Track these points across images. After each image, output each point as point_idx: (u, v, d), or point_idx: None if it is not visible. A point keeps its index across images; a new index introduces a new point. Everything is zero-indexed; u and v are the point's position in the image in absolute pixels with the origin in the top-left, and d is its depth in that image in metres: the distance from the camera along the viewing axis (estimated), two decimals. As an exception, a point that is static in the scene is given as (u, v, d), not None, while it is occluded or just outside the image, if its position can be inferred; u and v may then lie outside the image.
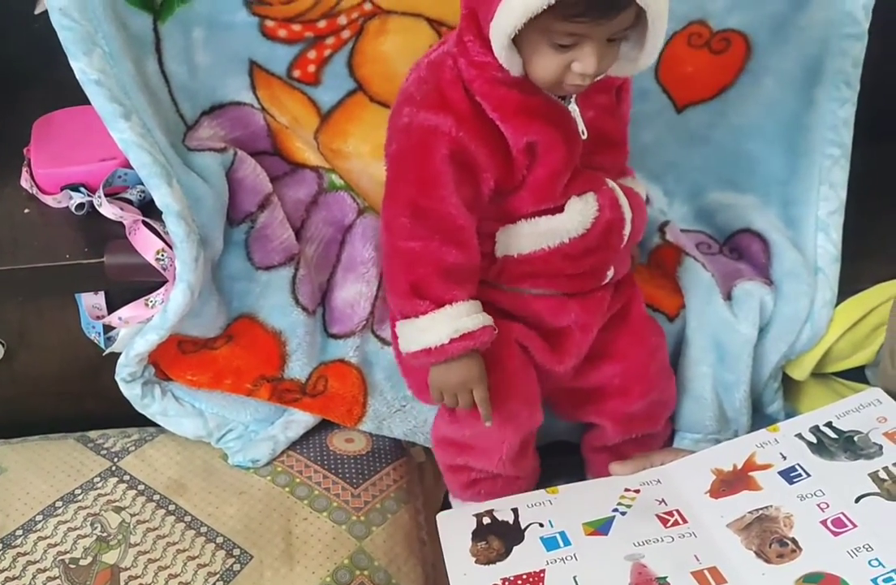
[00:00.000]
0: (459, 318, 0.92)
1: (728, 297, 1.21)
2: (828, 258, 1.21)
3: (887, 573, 0.77)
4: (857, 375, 1.25)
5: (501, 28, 0.81)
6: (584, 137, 0.94)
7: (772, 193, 1.28)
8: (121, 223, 1.04)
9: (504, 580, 0.85)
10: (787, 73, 1.22)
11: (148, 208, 1.05)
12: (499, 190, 0.94)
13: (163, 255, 1.01)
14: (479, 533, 0.92)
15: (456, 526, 0.94)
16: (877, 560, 0.79)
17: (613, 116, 1.00)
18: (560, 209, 0.96)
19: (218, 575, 0.99)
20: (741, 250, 1.29)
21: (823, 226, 1.22)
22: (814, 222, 1.23)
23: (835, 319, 1.20)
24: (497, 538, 0.91)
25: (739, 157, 1.29)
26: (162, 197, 0.97)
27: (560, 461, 1.21)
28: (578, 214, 0.96)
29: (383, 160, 1.17)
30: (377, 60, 1.14)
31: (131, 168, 1.00)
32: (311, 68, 1.13)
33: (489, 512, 0.94)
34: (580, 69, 0.84)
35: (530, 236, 0.97)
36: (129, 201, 1.07)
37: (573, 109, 0.93)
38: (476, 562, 0.88)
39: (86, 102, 0.96)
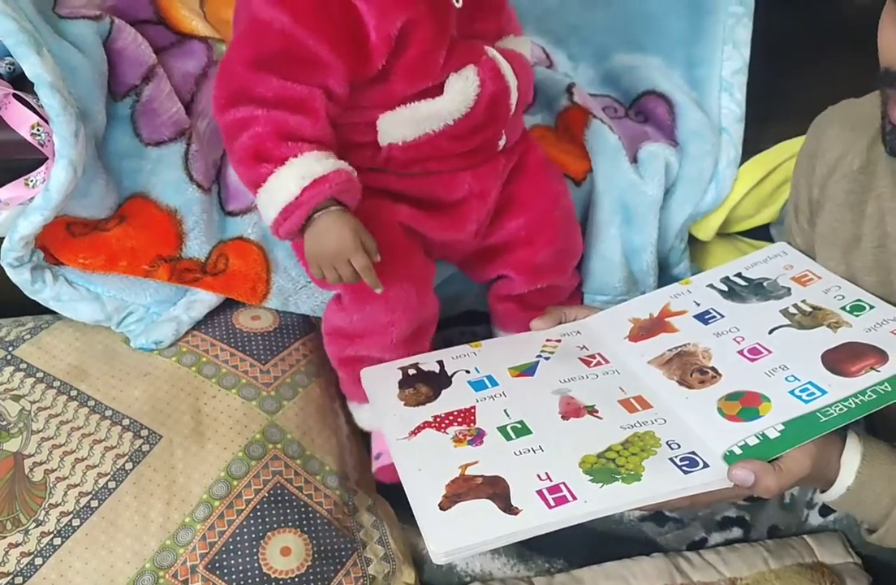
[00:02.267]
0: (306, 165, 0.84)
1: (634, 160, 1.20)
2: (732, 118, 1.21)
3: (803, 384, 0.83)
4: (761, 234, 1.27)
5: None
6: (459, 5, 0.88)
7: (676, 53, 1.26)
8: (-10, 98, 0.97)
9: (435, 417, 0.87)
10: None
11: (20, 82, 0.98)
12: (354, 82, 0.88)
13: (39, 129, 0.95)
14: (406, 382, 0.94)
15: (381, 378, 0.95)
16: (793, 376, 0.85)
17: None
18: (439, 91, 0.91)
19: (126, 457, 0.97)
20: (647, 113, 1.27)
21: (727, 86, 1.22)
22: (717, 81, 1.22)
23: (739, 178, 1.20)
24: (425, 384, 0.93)
25: (642, 17, 1.26)
26: (32, 67, 0.91)
27: (469, 330, 1.23)
28: (459, 94, 0.91)
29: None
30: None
31: (-4, 38, 0.93)
32: (190, -72, 1.06)
33: (414, 365, 0.96)
34: None
35: (412, 122, 0.92)
36: (-2, 75, 1.00)
37: None
38: (405, 405, 0.90)
39: (-62, -36, 0.88)
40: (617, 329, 0.98)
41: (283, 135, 0.84)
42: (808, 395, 0.82)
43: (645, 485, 0.76)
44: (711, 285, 1.00)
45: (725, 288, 0.99)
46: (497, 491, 0.77)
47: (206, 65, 1.12)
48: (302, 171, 0.84)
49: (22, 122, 0.96)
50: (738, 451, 0.79)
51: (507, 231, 1.06)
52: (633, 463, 0.78)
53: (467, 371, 0.94)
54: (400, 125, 0.92)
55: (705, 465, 0.78)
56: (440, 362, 0.96)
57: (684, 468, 0.78)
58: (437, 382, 0.93)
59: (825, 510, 1.15)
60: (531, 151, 1.07)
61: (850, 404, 0.80)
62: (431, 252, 1.03)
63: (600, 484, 0.76)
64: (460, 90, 0.91)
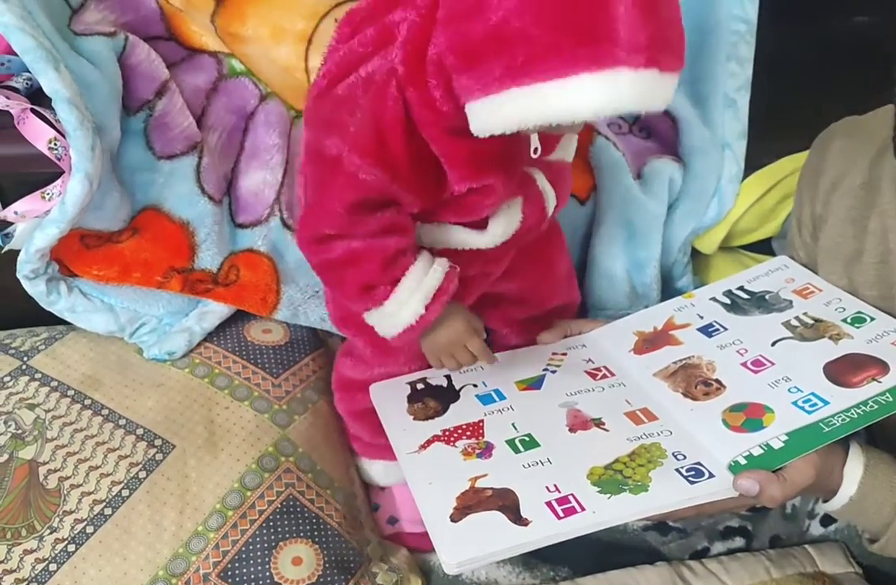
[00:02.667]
0: (421, 281, 0.86)
1: (638, 175, 1.21)
2: (735, 134, 1.22)
3: (806, 395, 0.85)
4: (763, 247, 1.28)
5: (491, 126, 0.71)
6: (536, 155, 0.85)
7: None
8: (8, 113, 0.99)
9: (444, 431, 0.89)
10: (692, -52, 1.20)
11: (37, 97, 1.00)
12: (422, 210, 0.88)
13: (56, 144, 0.97)
14: (415, 397, 0.96)
15: (390, 393, 0.97)
16: (795, 387, 0.86)
17: None
18: (482, 224, 0.90)
19: (140, 465, 0.98)
20: (651, 129, 1.29)
21: (730, 102, 1.23)
22: (721, 98, 1.23)
23: (741, 193, 1.22)
24: (433, 399, 0.95)
25: (646, 34, 1.27)
26: (50, 83, 0.93)
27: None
28: (499, 230, 0.90)
29: (283, 44, 1.14)
30: (271, -64, 1.09)
31: (15, 54, 0.95)
32: (203, -54, 1.08)
33: (422, 379, 0.98)
34: (573, 130, 0.79)
35: (443, 240, 0.91)
36: (16, 90, 1.02)
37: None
38: (414, 419, 0.92)
39: (-41, -15, 0.89)
40: (622, 342, 0.99)
41: (387, 260, 0.85)
42: (810, 406, 0.83)
43: (652, 496, 0.78)
44: (714, 299, 1.01)
45: (728, 301, 1.00)
46: (507, 503, 0.78)
47: (216, 79, 1.14)
48: (421, 288, 0.86)
49: (39, 136, 0.97)
50: (742, 461, 0.81)
51: (500, 289, 1.06)
52: (640, 474, 0.80)
53: (475, 385, 0.96)
54: (433, 236, 0.92)
55: (711, 475, 0.80)
56: (448, 377, 0.98)
57: (690, 478, 0.80)
58: (445, 396, 0.95)
59: (826, 520, 1.16)
60: None
61: (852, 414, 0.81)
62: None
63: (608, 495, 0.78)
64: (502, 228, 0.91)
